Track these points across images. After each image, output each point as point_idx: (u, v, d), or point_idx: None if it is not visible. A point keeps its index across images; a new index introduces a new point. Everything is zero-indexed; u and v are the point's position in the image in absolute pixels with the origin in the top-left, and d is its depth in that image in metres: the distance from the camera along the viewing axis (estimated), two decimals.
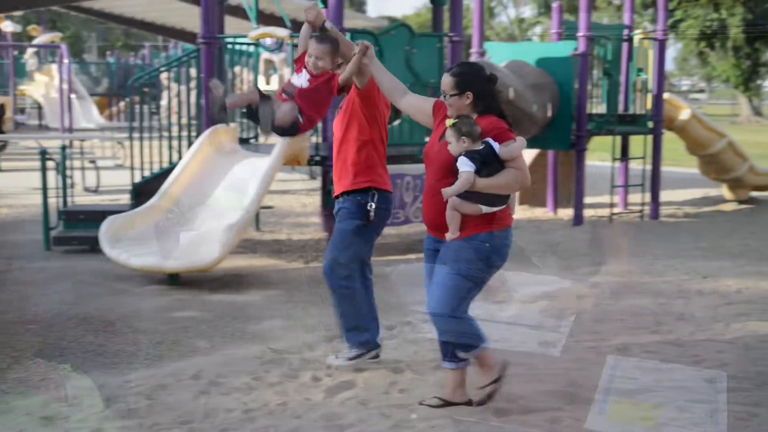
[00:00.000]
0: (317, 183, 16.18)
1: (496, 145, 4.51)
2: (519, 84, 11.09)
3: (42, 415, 4.76)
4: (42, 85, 29.06)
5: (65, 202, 10.18)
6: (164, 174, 9.52)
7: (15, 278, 8.27)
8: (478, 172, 4.47)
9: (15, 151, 20.82)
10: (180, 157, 9.89)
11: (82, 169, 15.53)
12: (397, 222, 9.50)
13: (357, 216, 5.43)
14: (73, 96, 23.69)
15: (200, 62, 9.55)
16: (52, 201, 9.91)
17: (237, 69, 10.77)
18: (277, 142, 8.83)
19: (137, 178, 10.05)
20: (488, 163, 4.48)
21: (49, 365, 5.69)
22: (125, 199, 12.40)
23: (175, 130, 10.60)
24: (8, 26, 29.05)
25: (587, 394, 5.05)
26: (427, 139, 9.81)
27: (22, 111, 28.32)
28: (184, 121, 11.05)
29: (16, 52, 31.23)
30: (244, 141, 9.92)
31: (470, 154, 4.49)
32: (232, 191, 8.74)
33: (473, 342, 4.70)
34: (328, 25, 5.33)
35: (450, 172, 4.56)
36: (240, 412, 4.79)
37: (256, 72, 10.65)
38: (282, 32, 9.53)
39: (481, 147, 4.50)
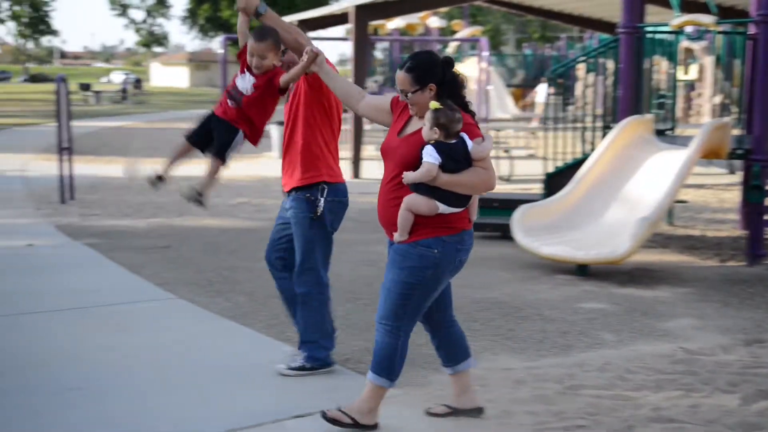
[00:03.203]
0: (736, 178, 15.31)
1: (470, 143, 4.09)
2: None
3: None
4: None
5: None
6: (577, 165, 9.53)
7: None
8: (443, 167, 4.03)
9: None
10: (593, 149, 9.84)
11: (497, 158, 16.06)
12: None
13: (308, 212, 4.99)
14: (490, 87, 24.58)
15: (619, 52, 9.41)
16: None
17: (655, 58, 10.47)
18: (696, 133, 8.47)
19: (550, 168, 10.15)
20: (456, 159, 4.07)
21: None
22: (536, 188, 12.62)
23: (588, 121, 10.56)
24: (434, 22, 30.84)
25: None
26: None
27: None
28: (598, 111, 10.97)
29: (439, 47, 33.11)
30: (660, 132, 9.62)
31: (438, 145, 4.05)
32: (645, 184, 8.54)
33: (385, 372, 4.25)
34: (262, 9, 4.72)
35: (408, 170, 4.09)
36: (648, 410, 4.65)
37: (675, 61, 10.28)
38: (707, 19, 9.10)
39: (453, 141, 4.06)
